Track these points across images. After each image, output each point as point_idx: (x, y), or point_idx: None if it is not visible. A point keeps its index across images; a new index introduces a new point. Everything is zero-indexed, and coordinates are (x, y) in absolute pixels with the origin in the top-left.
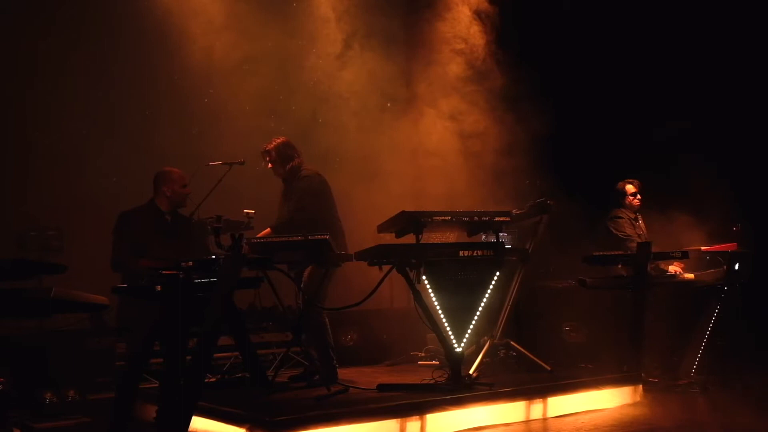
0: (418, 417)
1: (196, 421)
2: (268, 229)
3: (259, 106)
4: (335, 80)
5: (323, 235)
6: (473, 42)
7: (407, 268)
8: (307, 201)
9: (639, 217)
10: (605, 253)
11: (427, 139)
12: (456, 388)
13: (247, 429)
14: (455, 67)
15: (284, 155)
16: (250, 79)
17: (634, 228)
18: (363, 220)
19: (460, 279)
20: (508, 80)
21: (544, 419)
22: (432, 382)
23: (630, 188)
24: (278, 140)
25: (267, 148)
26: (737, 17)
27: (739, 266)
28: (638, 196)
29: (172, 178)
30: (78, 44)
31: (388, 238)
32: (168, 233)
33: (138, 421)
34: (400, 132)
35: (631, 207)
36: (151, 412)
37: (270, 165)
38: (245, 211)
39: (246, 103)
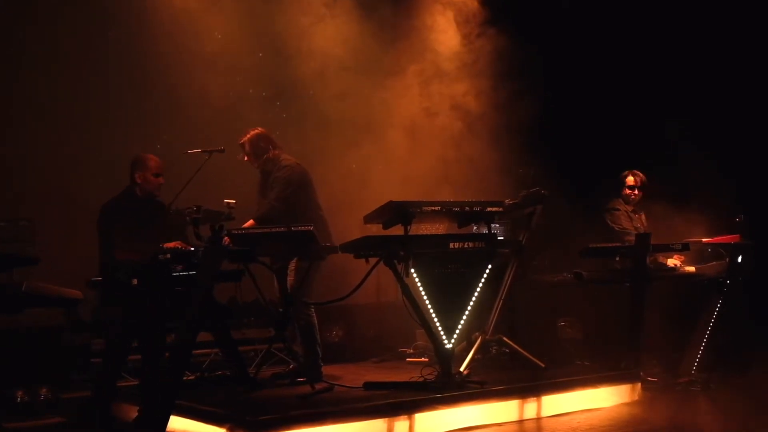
0: (406, 416)
1: (175, 421)
2: (251, 221)
3: (238, 84)
4: (315, 53)
5: (307, 226)
6: (467, 13)
7: (395, 261)
8: (290, 191)
9: (641, 210)
10: (602, 245)
11: (413, 120)
12: (446, 387)
13: (227, 429)
14: (446, 41)
15: (257, 148)
16: (226, 53)
17: (632, 221)
18: (348, 209)
19: (450, 272)
20: (503, 58)
21: (538, 419)
22: (421, 380)
23: (630, 180)
24: (252, 132)
25: (241, 141)
26: (740, 8)
27: (742, 259)
28: (636, 191)
29: (146, 165)
30: (51, 37)
31: (375, 229)
32: (147, 222)
33: (118, 421)
34: (384, 112)
35: (626, 199)
36: (131, 411)
37: (246, 158)
38: (226, 201)
39: (224, 81)
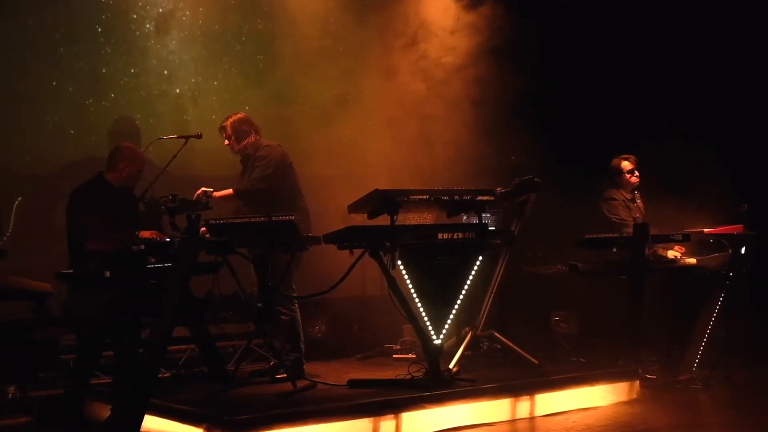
0: (392, 416)
1: (149, 420)
2: (230, 190)
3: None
4: (294, 34)
5: (288, 215)
6: None
7: (381, 252)
8: (271, 171)
9: (637, 196)
10: (599, 236)
11: (400, 103)
12: (434, 385)
13: (204, 429)
14: (437, 13)
15: (239, 131)
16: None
17: (630, 210)
18: (331, 198)
19: (439, 264)
20: (496, 36)
21: (532, 418)
22: (408, 377)
23: (626, 165)
24: (234, 116)
25: (223, 125)
26: None
27: (745, 250)
28: (636, 173)
29: (135, 159)
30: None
31: (360, 219)
32: (121, 211)
33: (90, 420)
34: (369, 95)
35: (627, 185)
36: (104, 410)
37: (226, 142)
38: (203, 189)
39: (201, 66)
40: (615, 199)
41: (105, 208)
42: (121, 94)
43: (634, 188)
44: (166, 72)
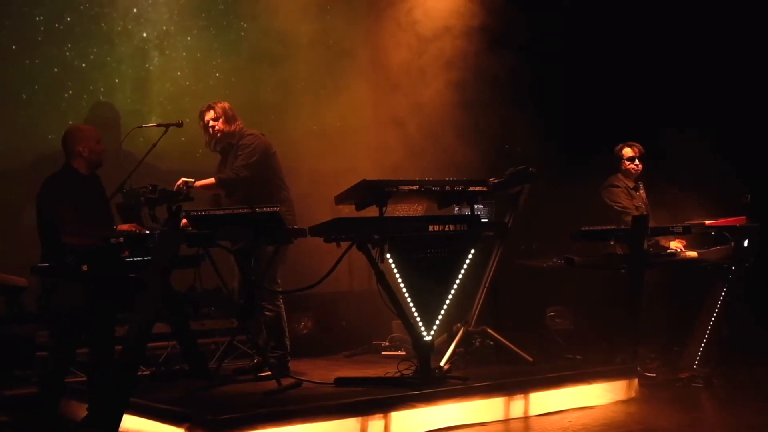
0: (381, 415)
1: (128, 420)
2: (212, 179)
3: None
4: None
5: (273, 207)
6: None
7: (369, 245)
8: (256, 159)
9: (640, 185)
10: (596, 228)
11: (390, 93)
12: (425, 383)
13: (186, 428)
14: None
15: (228, 115)
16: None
17: (632, 198)
18: (317, 189)
19: (429, 257)
20: (490, 23)
21: (526, 418)
22: (397, 375)
23: (627, 152)
24: (222, 102)
25: (210, 105)
26: None
27: (749, 243)
28: (636, 162)
29: (85, 135)
30: None
31: (347, 211)
32: (94, 202)
33: (65, 419)
34: (357, 79)
35: (628, 174)
36: (79, 409)
37: (212, 122)
38: (184, 179)
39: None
40: (617, 186)
41: (76, 200)
42: (78, 21)
43: (636, 178)
44: (135, 10)
